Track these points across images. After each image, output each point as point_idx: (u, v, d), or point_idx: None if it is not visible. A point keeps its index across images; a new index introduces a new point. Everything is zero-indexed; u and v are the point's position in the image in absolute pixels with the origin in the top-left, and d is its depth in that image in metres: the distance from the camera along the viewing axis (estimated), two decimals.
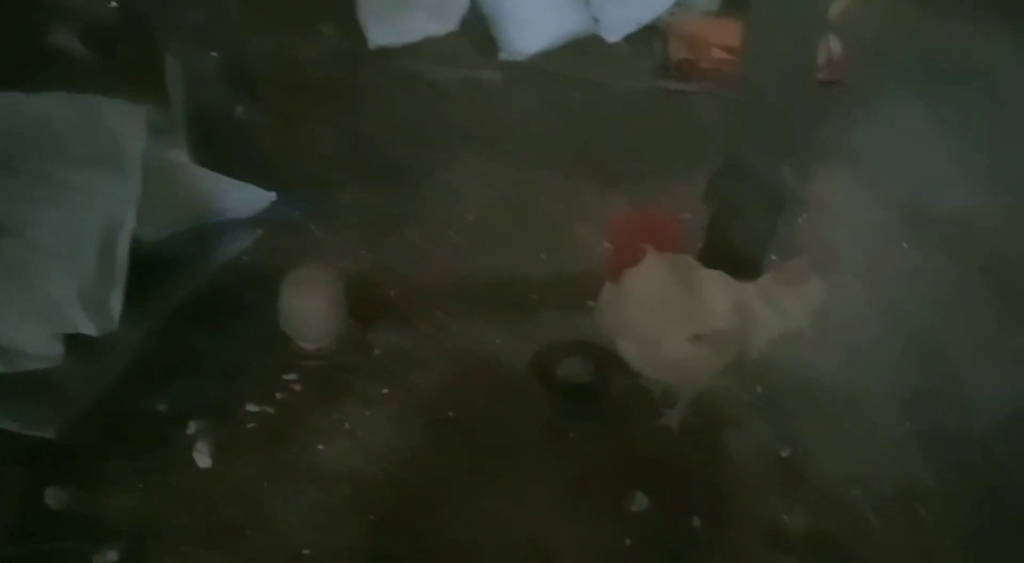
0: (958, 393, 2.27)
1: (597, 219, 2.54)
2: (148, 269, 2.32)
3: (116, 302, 2.06)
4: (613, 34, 3.38)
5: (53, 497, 1.88)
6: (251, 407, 2.17)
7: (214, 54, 3.15)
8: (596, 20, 3.41)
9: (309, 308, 2.32)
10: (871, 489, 2.02)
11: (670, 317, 1.88)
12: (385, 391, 2.25)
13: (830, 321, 2.36)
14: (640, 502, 1.95)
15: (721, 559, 1.90)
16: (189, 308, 2.41)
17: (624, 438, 2.13)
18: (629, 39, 3.45)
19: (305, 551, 1.86)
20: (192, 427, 2.07)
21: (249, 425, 2.12)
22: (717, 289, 1.95)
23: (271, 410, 2.17)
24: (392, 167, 3.02)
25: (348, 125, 3.31)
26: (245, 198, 2.68)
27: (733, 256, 2.43)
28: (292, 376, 2.28)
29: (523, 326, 2.38)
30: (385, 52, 3.35)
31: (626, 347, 1.94)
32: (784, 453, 2.11)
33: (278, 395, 2.21)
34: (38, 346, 2.00)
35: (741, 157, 2.35)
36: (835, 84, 3.23)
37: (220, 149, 2.79)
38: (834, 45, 3.14)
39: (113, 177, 2.18)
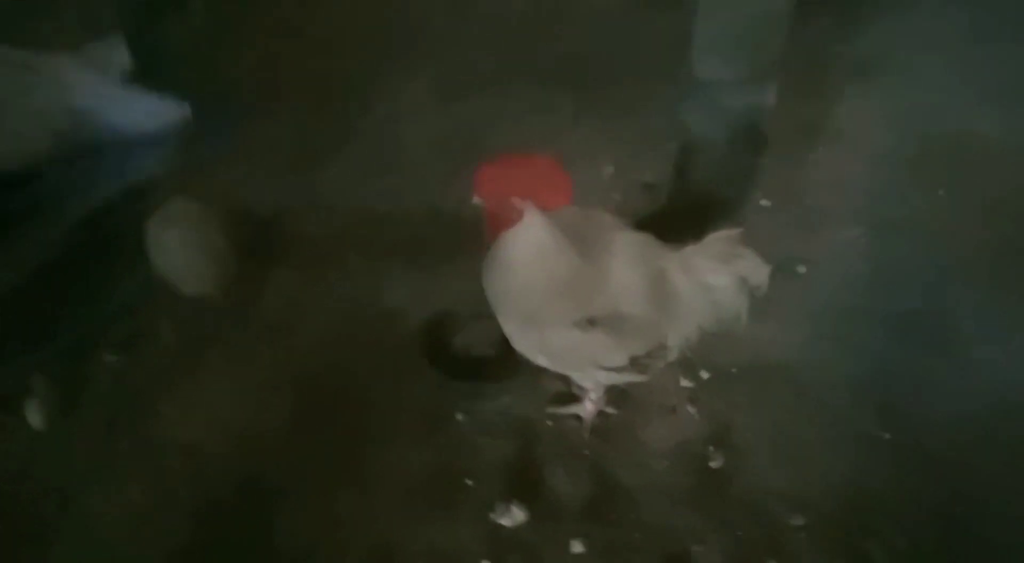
0: (939, 399, 1.74)
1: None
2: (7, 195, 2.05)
3: None
4: None
5: None
6: (107, 356, 1.89)
7: None
8: None
9: (179, 249, 2.00)
10: (814, 522, 1.56)
11: (553, 293, 1.43)
12: (261, 351, 1.92)
13: (811, 295, 1.88)
14: (514, 516, 1.57)
15: None
16: (69, 234, 2.12)
17: (519, 432, 1.74)
18: None
19: (112, 537, 1.59)
20: (33, 376, 1.84)
21: (98, 377, 1.85)
22: (627, 257, 1.47)
23: (127, 361, 1.89)
24: (334, 84, 2.64)
25: (294, 24, 2.90)
26: (150, 110, 2.33)
27: (703, 201, 1.93)
28: (164, 324, 1.99)
29: (438, 283, 1.98)
30: None
31: (507, 328, 1.52)
32: (714, 463, 1.67)
33: (142, 344, 1.93)
34: None
35: (712, 75, 1.81)
36: None
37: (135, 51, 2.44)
38: None
39: None
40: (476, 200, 1.43)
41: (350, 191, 2.34)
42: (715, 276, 1.46)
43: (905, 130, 2.31)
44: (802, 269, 2.04)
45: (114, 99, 2.23)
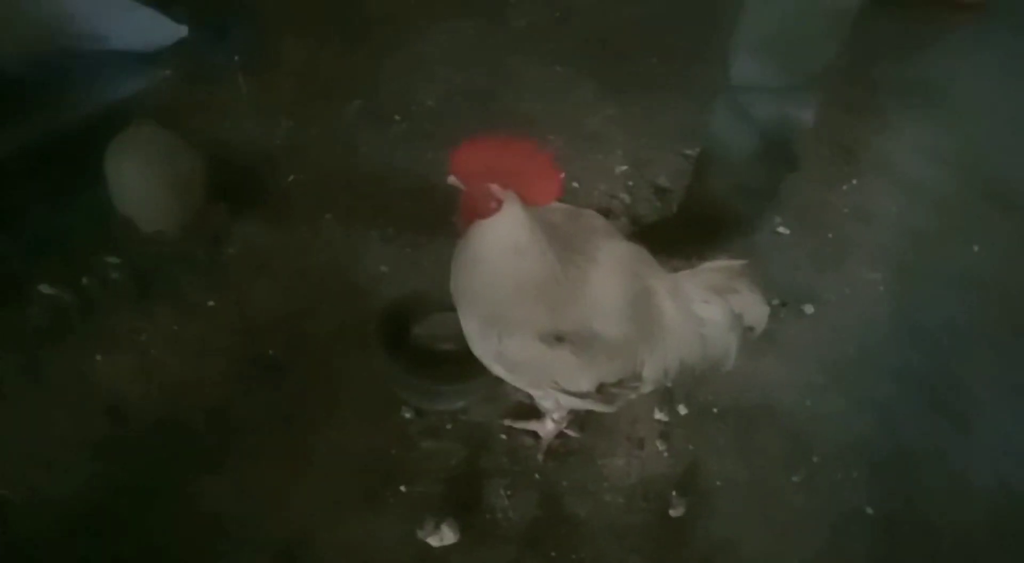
0: (936, 473, 1.55)
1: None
2: None
3: None
4: None
5: None
6: (44, 289, 1.73)
7: None
8: None
9: (139, 179, 1.83)
10: None
11: (521, 297, 1.25)
12: (211, 304, 1.75)
13: (815, 337, 1.69)
14: (443, 536, 1.40)
15: None
16: (37, 149, 1.96)
17: (468, 440, 1.57)
18: None
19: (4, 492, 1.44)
20: None
21: (30, 311, 1.68)
22: (612, 270, 1.28)
23: (67, 297, 1.73)
24: (358, 18, 2.43)
25: None
26: (143, 26, 2.15)
27: (716, 217, 1.74)
28: (113, 260, 1.81)
29: (414, 263, 1.81)
30: None
31: (467, 327, 1.34)
32: (674, 511, 1.49)
33: (84, 280, 1.77)
34: None
35: (748, 80, 1.60)
36: (969, 7, 2.30)
37: None
38: None
39: None
40: (451, 180, 1.24)
41: (342, 146, 2.16)
42: (707, 308, 1.27)
43: (950, 169, 2.09)
44: (810, 309, 1.85)
45: (106, 6, 2.04)
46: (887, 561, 1.43)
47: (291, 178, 2.10)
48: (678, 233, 1.88)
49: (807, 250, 1.94)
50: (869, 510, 1.51)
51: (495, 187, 1.22)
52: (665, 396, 1.62)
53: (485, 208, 1.24)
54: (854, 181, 2.12)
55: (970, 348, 1.76)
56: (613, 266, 1.31)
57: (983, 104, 2.24)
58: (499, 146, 1.21)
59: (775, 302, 1.29)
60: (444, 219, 1.93)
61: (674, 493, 1.52)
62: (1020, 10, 2.42)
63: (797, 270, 1.89)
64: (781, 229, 1.96)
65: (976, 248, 1.96)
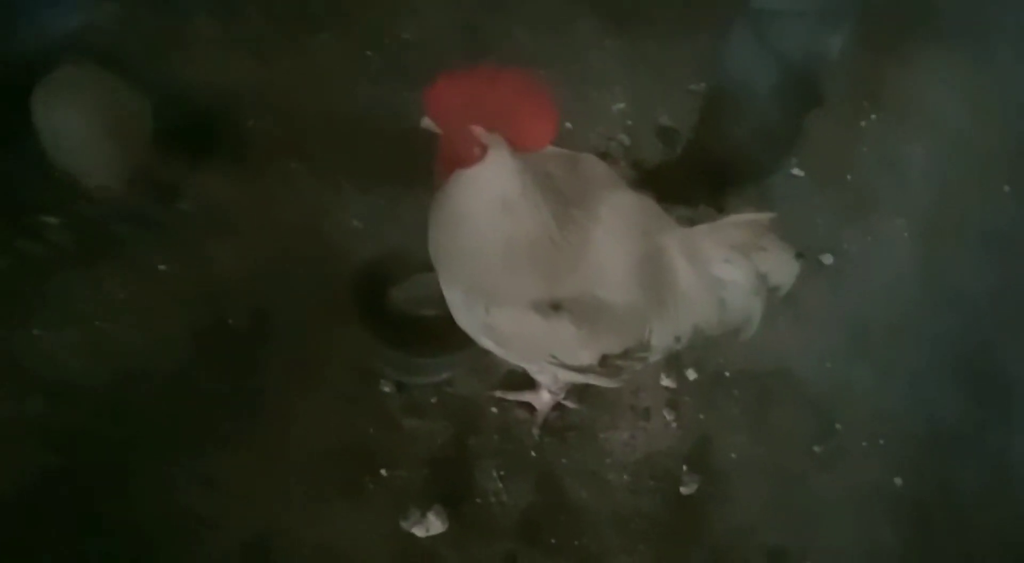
0: (970, 450, 1.40)
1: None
2: None
3: None
4: None
5: None
6: None
7: None
8: None
9: (69, 127, 1.60)
10: None
11: (512, 261, 1.06)
12: (162, 268, 1.55)
13: (835, 294, 1.52)
14: (430, 525, 1.25)
15: None
16: None
17: (456, 417, 1.41)
18: None
19: None
20: None
21: None
22: (617, 226, 1.09)
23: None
24: None
25: None
26: None
27: (726, 159, 1.54)
28: (52, 220, 1.60)
29: (392, 217, 1.61)
30: None
31: (449, 295, 1.15)
32: (685, 488, 1.34)
33: (18, 243, 1.55)
34: None
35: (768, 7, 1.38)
36: None
37: None
38: None
39: None
40: (426, 123, 1.04)
41: (314, 88, 1.92)
42: (728, 268, 1.09)
43: (981, 114, 1.88)
44: (829, 260, 1.68)
45: None
46: (920, 548, 1.28)
47: (251, 123, 1.87)
48: (684, 178, 1.69)
49: (825, 195, 1.76)
50: (898, 480, 1.37)
51: (478, 129, 1.01)
52: (672, 361, 1.46)
53: (467, 155, 1.04)
54: (873, 117, 1.91)
55: (1003, 313, 1.59)
56: (618, 222, 1.12)
57: (1017, 45, 2.00)
58: (482, 80, 1.00)
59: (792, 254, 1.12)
60: (425, 167, 1.71)
61: (685, 469, 1.37)
62: None
63: (815, 217, 1.71)
64: (796, 171, 1.78)
65: (1007, 201, 1.77)
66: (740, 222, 1.08)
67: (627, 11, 2.05)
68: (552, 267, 1.09)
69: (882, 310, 1.58)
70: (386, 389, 1.43)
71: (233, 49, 1.95)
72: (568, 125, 1.86)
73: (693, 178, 1.70)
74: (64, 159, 1.63)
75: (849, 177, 1.79)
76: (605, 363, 1.15)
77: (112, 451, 1.32)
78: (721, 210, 1.61)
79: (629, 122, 1.88)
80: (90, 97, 1.60)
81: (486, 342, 1.17)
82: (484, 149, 1.03)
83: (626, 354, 1.17)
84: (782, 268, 1.09)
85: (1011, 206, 1.75)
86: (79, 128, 1.60)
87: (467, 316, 1.14)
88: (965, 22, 2.02)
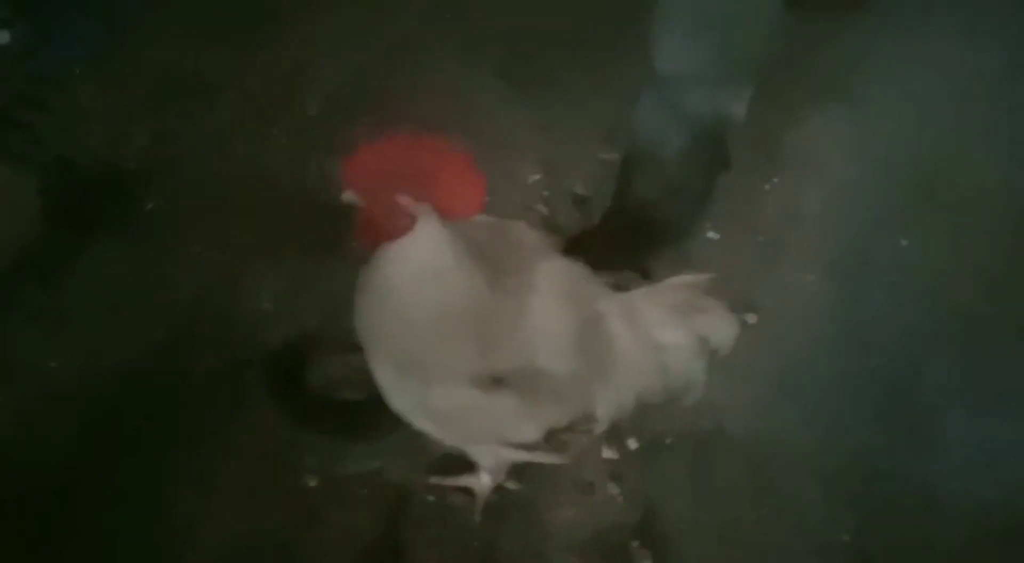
0: (908, 489, 1.42)
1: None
2: None
3: None
4: None
5: None
6: None
7: None
8: None
9: None
10: None
11: (446, 334, 0.99)
12: (53, 365, 1.39)
13: (760, 349, 1.53)
14: None
15: None
16: None
17: (388, 507, 1.30)
18: None
19: None
20: None
21: None
22: (553, 295, 1.05)
23: None
24: (227, 11, 2.08)
25: None
26: None
27: (642, 226, 1.54)
28: None
29: (311, 288, 1.50)
30: None
31: (380, 375, 1.06)
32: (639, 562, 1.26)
33: None
34: None
35: (673, 74, 1.42)
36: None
37: None
38: None
39: None
40: (348, 196, 0.97)
41: (211, 154, 1.83)
42: (668, 332, 1.07)
43: (875, 164, 2.01)
44: (752, 318, 1.69)
45: None
46: None
47: (149, 203, 1.74)
48: (604, 245, 1.68)
49: (740, 255, 1.79)
50: (846, 538, 1.35)
51: (405, 199, 0.96)
52: (613, 431, 1.40)
53: (393, 226, 0.98)
54: (775, 180, 1.99)
55: (915, 349, 1.66)
56: (553, 290, 1.08)
57: (911, 96, 2.17)
58: (403, 147, 0.96)
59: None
60: (338, 240, 1.64)
61: (635, 544, 1.30)
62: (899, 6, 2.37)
63: (733, 277, 1.73)
64: (711, 234, 1.81)
65: (904, 242, 1.87)
66: (678, 284, 1.07)
67: (531, 75, 2.08)
68: (489, 338, 1.03)
69: (803, 358, 1.61)
70: (310, 482, 1.30)
71: (122, 124, 1.84)
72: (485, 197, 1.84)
73: (613, 245, 1.70)
74: None
75: (760, 238, 1.84)
76: (551, 438, 1.09)
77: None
78: (645, 275, 1.61)
79: (545, 192, 1.88)
80: None
81: (423, 423, 1.09)
82: (412, 219, 0.97)
83: (571, 427, 1.11)
84: (722, 329, 1.08)
85: (911, 246, 1.84)
86: None
87: (400, 396, 1.06)
88: (841, 85, 2.17)
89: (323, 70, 2.04)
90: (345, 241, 1.28)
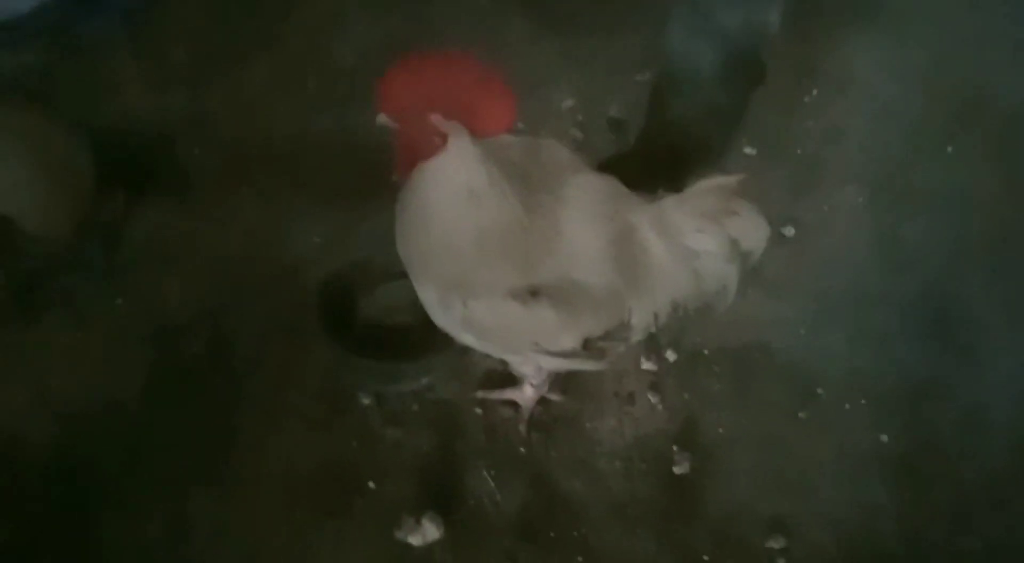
0: (946, 398, 1.43)
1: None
2: None
3: None
4: None
5: None
6: None
7: None
8: None
9: (13, 171, 1.53)
10: (797, 547, 1.25)
11: (484, 251, 1.04)
12: (116, 308, 1.48)
13: (799, 264, 1.54)
14: (426, 533, 1.22)
15: None
16: None
17: (439, 422, 1.37)
18: None
19: None
20: None
21: None
22: (585, 208, 1.09)
23: None
24: None
25: None
26: None
27: (679, 144, 1.55)
28: None
29: (351, 230, 1.58)
30: None
31: (423, 295, 1.13)
32: (678, 468, 1.33)
33: None
34: None
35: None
36: None
37: None
38: None
39: None
40: (382, 119, 1.02)
41: (251, 110, 1.89)
42: (700, 238, 1.09)
43: (916, 80, 1.95)
44: (790, 232, 1.70)
45: None
46: (915, 505, 1.30)
47: (196, 151, 1.82)
48: (640, 167, 1.69)
49: (779, 171, 1.78)
50: (884, 437, 1.38)
51: (436, 118, 1.00)
52: (651, 343, 1.45)
53: (427, 147, 1.03)
54: (815, 92, 1.96)
55: (961, 266, 1.64)
56: (586, 204, 1.12)
57: (946, 16, 2.08)
58: (436, 68, 0.99)
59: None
60: (379, 180, 1.69)
61: (675, 449, 1.37)
62: None
63: (770, 192, 1.73)
64: (748, 149, 1.81)
65: (947, 159, 1.83)
66: (708, 188, 1.09)
67: (559, 16, 2.07)
68: (525, 254, 1.08)
69: (844, 275, 1.61)
70: (365, 401, 1.39)
71: (163, 87, 1.90)
72: (520, 125, 1.86)
73: (649, 166, 1.71)
74: (1, 205, 1.56)
75: (799, 151, 1.82)
76: (588, 346, 1.14)
77: (79, 504, 1.25)
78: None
79: (580, 117, 1.88)
80: (23, 138, 1.55)
81: (466, 338, 1.15)
82: (444, 138, 1.01)
83: (608, 335, 1.16)
84: (753, 232, 1.10)
85: (954, 164, 1.80)
86: (14, 171, 1.53)
87: (444, 313, 1.12)
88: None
89: (354, 22, 2.06)
90: (386, 179, 1.34)
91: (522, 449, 1.35)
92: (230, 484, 1.27)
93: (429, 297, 1.13)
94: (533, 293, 1.08)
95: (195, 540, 1.22)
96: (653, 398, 1.42)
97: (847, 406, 1.43)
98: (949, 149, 1.83)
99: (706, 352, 1.48)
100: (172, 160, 1.78)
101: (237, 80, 1.95)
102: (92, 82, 1.91)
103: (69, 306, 1.49)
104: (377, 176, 1.69)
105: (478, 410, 1.39)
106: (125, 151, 1.74)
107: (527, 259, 1.08)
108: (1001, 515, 1.33)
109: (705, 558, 1.26)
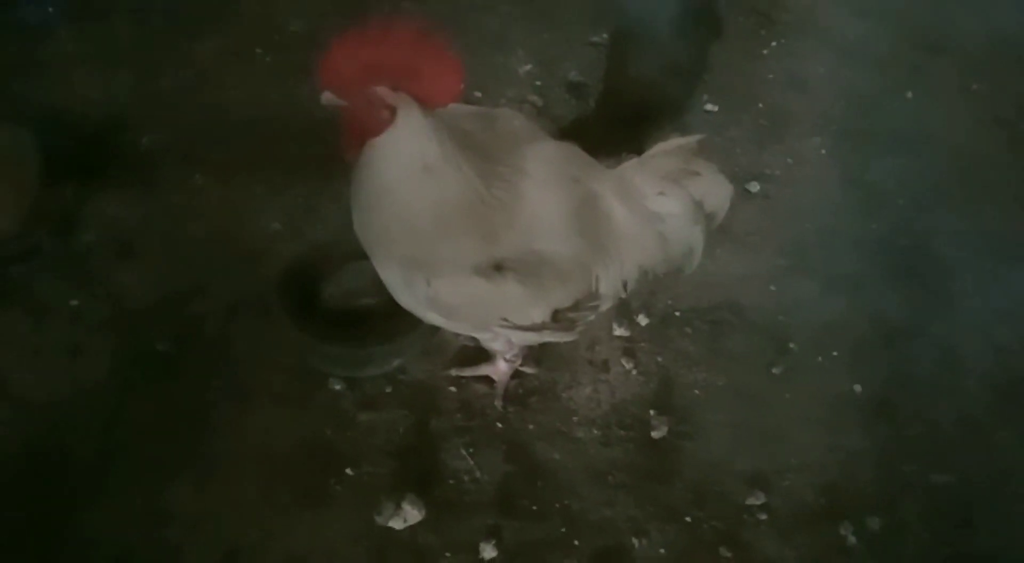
0: (918, 345, 1.44)
1: None
2: None
3: None
4: None
5: None
6: None
7: None
8: None
9: None
10: (777, 501, 1.26)
11: (444, 226, 1.01)
12: (74, 303, 1.43)
13: (767, 219, 1.53)
14: (407, 515, 1.21)
15: None
16: None
17: (413, 403, 1.35)
18: None
19: None
20: None
21: None
22: (545, 177, 1.06)
23: None
24: None
25: None
26: None
27: (640, 104, 1.53)
28: None
29: (317, 204, 1.54)
30: None
31: (385, 275, 1.09)
32: (656, 433, 1.33)
33: None
34: None
35: None
36: None
37: None
38: None
39: None
40: (327, 97, 0.97)
41: (202, 93, 1.81)
42: (663, 201, 1.07)
43: (877, 21, 1.93)
44: (755, 187, 1.69)
45: None
46: (891, 447, 1.31)
47: (145, 139, 1.75)
48: (602, 129, 1.67)
49: (741, 125, 1.77)
50: (858, 387, 1.39)
51: (382, 90, 0.95)
52: (622, 309, 1.44)
53: (375, 121, 0.99)
54: (774, 44, 1.93)
55: (927, 206, 1.64)
56: (546, 173, 1.09)
57: None
58: (377, 39, 0.94)
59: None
60: (338, 157, 1.64)
61: (652, 413, 1.36)
62: None
63: (734, 148, 1.72)
64: (709, 106, 1.78)
65: (910, 95, 1.82)
66: (668, 150, 1.06)
67: None
68: (487, 227, 1.05)
69: (813, 225, 1.61)
70: (336, 387, 1.36)
71: (107, 65, 1.82)
72: (477, 93, 1.82)
73: (611, 128, 1.69)
74: None
75: (760, 105, 1.80)
76: (558, 317, 1.12)
77: (53, 495, 1.22)
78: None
79: (538, 82, 1.84)
80: None
81: (433, 317, 1.12)
82: (392, 111, 0.97)
83: (576, 305, 1.14)
84: (716, 191, 1.08)
85: (914, 109, 1.79)
86: None
87: (408, 293, 1.09)
88: None
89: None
90: (340, 153, 1.29)
91: (499, 424, 1.33)
92: (206, 468, 1.25)
93: (391, 277, 1.10)
94: (498, 268, 1.05)
95: (173, 526, 1.19)
96: (627, 364, 1.41)
97: (820, 359, 1.44)
98: (912, 91, 1.82)
99: (678, 314, 1.48)
100: (123, 144, 1.72)
101: (187, 58, 1.88)
102: (34, 67, 1.83)
103: (26, 297, 1.44)
104: (336, 153, 1.65)
105: (452, 388, 1.37)
106: (73, 138, 1.68)
107: (489, 233, 1.05)
108: (974, 450, 1.35)
109: (687, 519, 1.26)
